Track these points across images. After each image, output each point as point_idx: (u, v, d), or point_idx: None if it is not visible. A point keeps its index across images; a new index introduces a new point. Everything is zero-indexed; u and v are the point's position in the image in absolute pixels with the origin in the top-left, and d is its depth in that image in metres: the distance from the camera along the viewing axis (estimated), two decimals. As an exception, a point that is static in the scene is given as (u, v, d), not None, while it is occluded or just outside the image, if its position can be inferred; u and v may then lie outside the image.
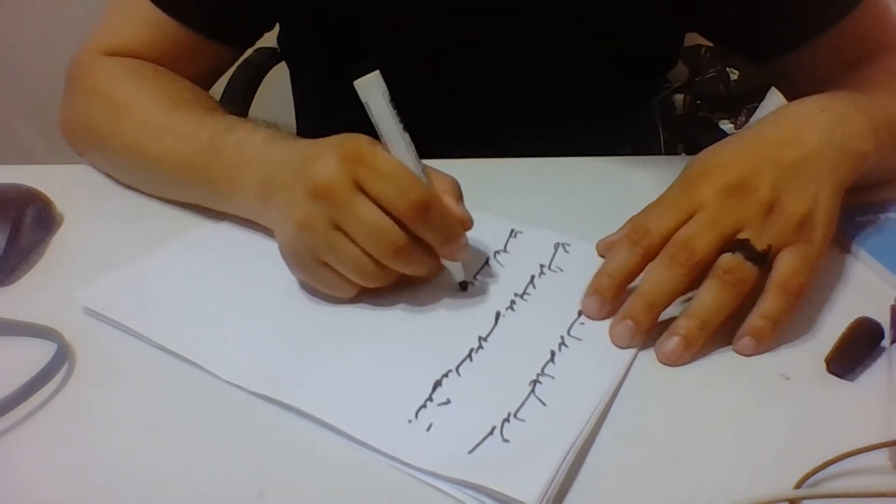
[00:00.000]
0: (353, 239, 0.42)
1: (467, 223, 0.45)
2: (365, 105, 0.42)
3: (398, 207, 0.41)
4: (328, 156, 0.42)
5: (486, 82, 0.68)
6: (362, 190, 0.41)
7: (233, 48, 0.67)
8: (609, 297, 0.45)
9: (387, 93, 0.42)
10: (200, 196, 0.54)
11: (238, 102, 0.97)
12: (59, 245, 0.53)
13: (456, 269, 0.47)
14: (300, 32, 0.72)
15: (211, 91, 0.67)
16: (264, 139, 0.49)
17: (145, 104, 0.56)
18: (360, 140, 0.42)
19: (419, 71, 0.67)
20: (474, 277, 0.49)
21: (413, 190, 0.41)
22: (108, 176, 0.61)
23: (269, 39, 0.74)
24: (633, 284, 0.45)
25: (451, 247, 0.44)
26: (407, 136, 0.42)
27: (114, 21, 0.63)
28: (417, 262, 0.43)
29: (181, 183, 0.54)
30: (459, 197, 0.45)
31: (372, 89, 0.41)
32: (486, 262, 0.50)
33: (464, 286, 0.47)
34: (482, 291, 0.47)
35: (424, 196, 0.41)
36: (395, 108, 0.42)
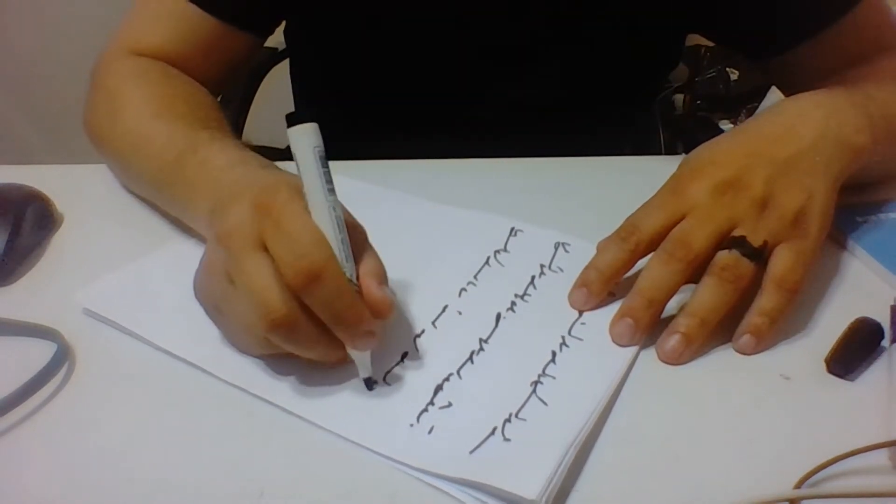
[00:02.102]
0: (240, 298, 0.38)
1: (384, 309, 0.38)
2: (293, 155, 0.38)
3: (285, 272, 0.36)
4: (244, 202, 0.38)
5: (490, 77, 0.68)
6: (263, 247, 0.37)
7: (255, 36, 0.68)
8: (595, 291, 0.45)
9: (320, 149, 0.38)
10: (169, 207, 0.54)
11: (238, 102, 0.97)
12: (59, 245, 0.53)
13: (361, 362, 0.39)
14: (306, 23, 0.73)
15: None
16: (225, 164, 0.47)
17: (134, 111, 0.57)
18: (280, 192, 0.38)
19: (425, 63, 0.67)
20: (474, 277, 0.49)
21: (308, 256, 0.36)
22: (108, 176, 0.61)
23: (270, 39, 0.75)
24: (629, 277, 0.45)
25: (345, 331, 0.37)
26: (333, 199, 0.38)
27: (138, 17, 0.64)
28: (304, 343, 0.38)
29: (155, 196, 0.55)
30: (383, 280, 0.40)
31: (303, 140, 0.38)
32: (486, 262, 0.50)
33: (369, 385, 0.40)
34: (482, 293, 0.47)
35: (318, 264, 0.36)
36: (325, 167, 0.38)
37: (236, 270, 0.38)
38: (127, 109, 0.57)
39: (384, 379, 0.41)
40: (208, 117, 0.57)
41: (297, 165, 0.38)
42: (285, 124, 0.38)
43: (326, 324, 0.37)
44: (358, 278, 0.39)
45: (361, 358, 0.39)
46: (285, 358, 0.40)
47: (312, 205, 0.38)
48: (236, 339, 0.42)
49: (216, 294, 0.40)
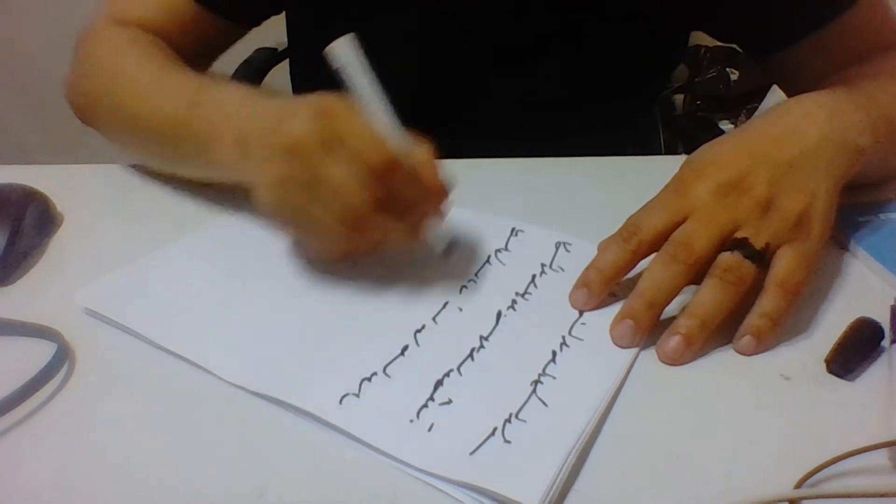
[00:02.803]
0: (323, 199, 0.42)
1: (439, 192, 0.44)
2: (340, 70, 0.42)
3: (367, 165, 0.41)
4: (303, 113, 0.42)
5: (493, 76, 0.68)
6: (333, 149, 0.41)
7: (238, 25, 0.68)
8: (595, 291, 0.45)
9: (362, 55, 0.42)
10: (180, 153, 0.54)
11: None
12: (59, 245, 0.53)
13: (435, 236, 0.47)
14: (307, 17, 0.73)
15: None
16: (244, 95, 0.50)
17: (135, 67, 0.58)
18: (334, 99, 0.42)
19: (427, 62, 0.67)
20: (475, 275, 0.49)
21: (379, 150, 0.41)
22: (108, 176, 0.61)
23: (270, 39, 0.75)
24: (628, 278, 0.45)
25: (419, 210, 0.44)
26: (385, 98, 0.42)
27: None
28: (386, 227, 0.43)
29: (163, 139, 0.55)
30: (437, 166, 0.45)
31: (346, 52, 0.41)
32: (487, 261, 0.50)
33: (448, 252, 0.47)
34: (483, 290, 0.47)
35: (390, 157, 0.41)
36: (372, 71, 0.42)
37: (321, 171, 0.41)
38: (125, 67, 0.58)
39: (384, 371, 0.41)
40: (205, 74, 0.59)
41: (346, 74, 0.42)
42: (366, 68, 0.42)
43: (401, 207, 0.43)
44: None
45: (435, 232, 0.46)
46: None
47: (369, 105, 0.42)
48: (321, 239, 0.45)
49: (301, 200, 0.43)
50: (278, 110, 0.45)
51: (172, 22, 0.64)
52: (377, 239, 0.44)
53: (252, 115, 0.47)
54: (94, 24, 0.64)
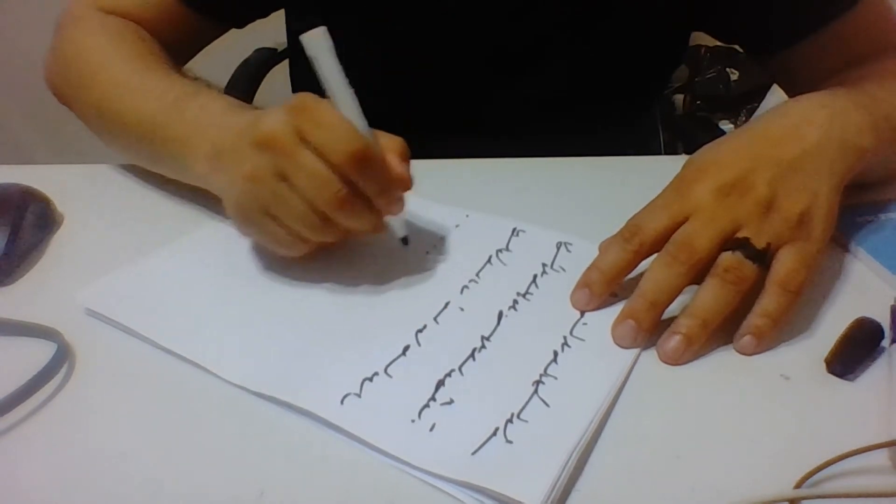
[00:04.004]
0: (297, 190, 0.42)
1: (406, 182, 0.45)
2: (311, 60, 0.43)
3: (337, 157, 0.41)
4: (275, 110, 0.43)
5: (495, 76, 0.68)
6: (305, 141, 0.42)
7: (220, 24, 0.68)
8: (597, 291, 0.45)
9: (332, 48, 0.43)
10: (156, 155, 0.55)
11: (238, 102, 0.97)
12: (59, 245, 0.53)
13: (397, 224, 0.48)
14: (307, 18, 0.72)
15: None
16: (226, 107, 0.50)
17: (119, 64, 0.58)
18: (307, 95, 0.43)
19: (429, 63, 0.67)
20: (476, 275, 0.49)
21: (352, 141, 0.41)
22: (108, 176, 0.61)
23: (269, 39, 0.74)
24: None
25: (385, 199, 0.44)
26: (352, 91, 0.43)
27: None
28: (359, 215, 0.44)
29: (141, 139, 0.55)
30: (406, 156, 0.45)
31: (318, 44, 0.42)
32: (489, 261, 0.50)
33: (406, 241, 0.49)
34: (485, 290, 0.47)
35: (362, 147, 0.42)
36: (340, 65, 0.43)
37: (289, 165, 0.42)
38: (108, 63, 0.58)
39: (385, 371, 0.41)
40: (189, 74, 0.59)
41: (317, 66, 0.43)
42: (336, 61, 0.43)
43: (370, 196, 0.43)
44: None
45: (397, 220, 0.48)
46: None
47: (337, 99, 0.43)
48: (284, 238, 0.45)
49: (266, 197, 0.43)
50: (252, 118, 0.45)
51: (156, 16, 0.64)
52: (348, 228, 0.44)
53: (227, 128, 0.47)
54: (74, 6, 0.64)
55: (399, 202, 0.46)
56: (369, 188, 0.43)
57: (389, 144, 0.45)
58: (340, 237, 0.45)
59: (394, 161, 0.44)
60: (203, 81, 0.57)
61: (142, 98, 0.54)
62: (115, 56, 0.58)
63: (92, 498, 0.35)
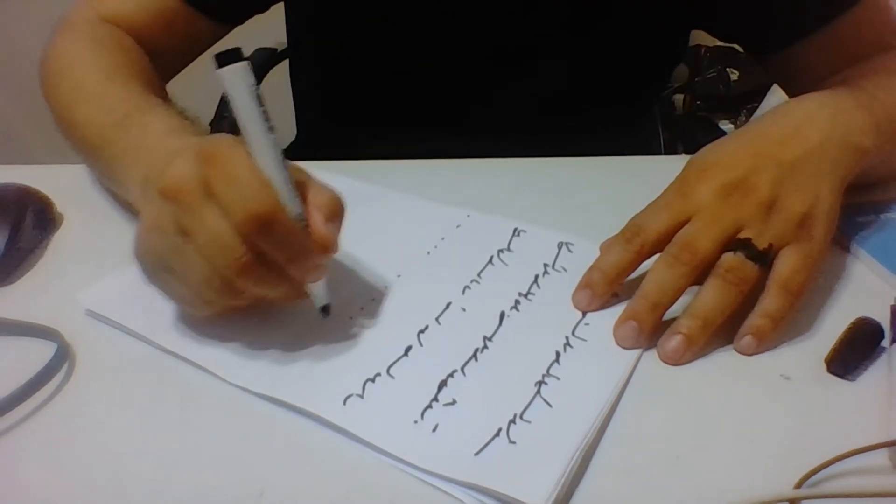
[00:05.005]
0: (198, 249, 0.37)
1: (329, 246, 0.39)
2: (228, 98, 0.37)
3: (236, 217, 0.36)
4: (186, 154, 0.38)
5: (495, 75, 0.68)
6: (212, 195, 0.37)
7: (219, 24, 0.68)
8: (598, 292, 0.45)
9: (254, 86, 0.37)
10: (104, 171, 0.54)
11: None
12: (59, 245, 0.53)
13: (316, 292, 0.42)
14: (309, 22, 0.72)
15: (210, 92, 0.67)
16: (167, 130, 0.47)
17: (84, 71, 0.57)
18: (222, 141, 0.38)
19: (429, 62, 0.67)
20: (478, 275, 0.49)
21: (260, 200, 0.36)
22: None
23: (269, 39, 0.74)
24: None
25: (297, 267, 0.39)
26: (273, 137, 0.38)
27: None
28: (267, 284, 0.39)
29: (92, 153, 0.54)
30: (336, 215, 0.40)
31: (236, 81, 0.36)
32: (490, 261, 0.50)
33: (326, 311, 0.43)
34: (486, 290, 0.47)
35: (267, 207, 0.36)
36: (262, 106, 0.37)
37: (192, 221, 0.37)
38: (75, 69, 0.58)
39: (387, 371, 0.41)
40: (157, 89, 0.58)
41: (233, 108, 0.37)
42: (255, 103, 0.37)
43: (280, 263, 0.38)
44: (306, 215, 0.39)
45: (316, 289, 0.42)
46: (228, 319, 0.42)
47: (253, 147, 0.37)
48: (189, 295, 0.40)
49: (166, 251, 0.39)
50: (178, 150, 0.40)
51: (154, 19, 0.63)
52: (255, 295, 0.40)
53: (161, 153, 0.43)
54: (74, 10, 0.64)
55: (316, 270, 0.40)
56: (278, 254, 0.38)
57: (317, 201, 0.39)
58: (251, 302, 0.41)
59: (318, 222, 0.39)
60: (159, 98, 0.54)
61: (96, 109, 0.53)
62: (82, 63, 0.58)
63: (92, 498, 0.35)
